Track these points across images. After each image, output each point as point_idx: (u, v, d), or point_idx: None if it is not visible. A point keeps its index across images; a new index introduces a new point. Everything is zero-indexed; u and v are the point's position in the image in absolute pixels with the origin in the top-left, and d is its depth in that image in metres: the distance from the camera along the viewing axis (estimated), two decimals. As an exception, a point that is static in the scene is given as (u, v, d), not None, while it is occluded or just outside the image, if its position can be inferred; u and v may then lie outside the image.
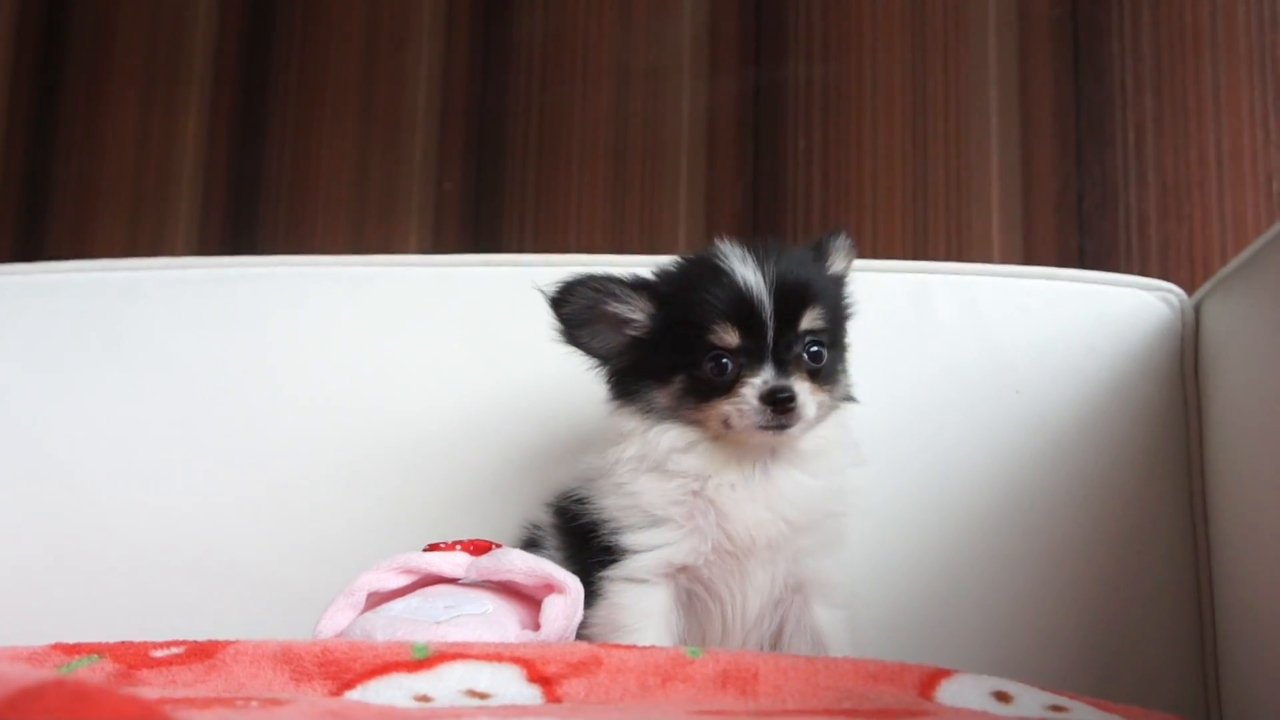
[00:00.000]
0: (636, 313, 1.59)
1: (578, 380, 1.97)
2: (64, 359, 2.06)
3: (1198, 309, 1.94)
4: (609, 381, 1.65)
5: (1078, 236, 2.55)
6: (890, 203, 2.65)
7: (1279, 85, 2.48)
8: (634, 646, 1.31)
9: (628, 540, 1.55)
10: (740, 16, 2.79)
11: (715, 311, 1.53)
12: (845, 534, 1.65)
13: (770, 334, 1.53)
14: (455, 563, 1.50)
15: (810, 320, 1.56)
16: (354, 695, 1.19)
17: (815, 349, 1.57)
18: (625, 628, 1.51)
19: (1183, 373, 1.92)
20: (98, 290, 2.11)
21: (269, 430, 2.02)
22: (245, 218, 2.93)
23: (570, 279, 1.61)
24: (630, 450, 1.58)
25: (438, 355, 2.04)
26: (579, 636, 1.48)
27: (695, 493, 1.55)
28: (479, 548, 1.52)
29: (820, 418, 1.58)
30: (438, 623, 1.36)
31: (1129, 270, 2.24)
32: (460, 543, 1.52)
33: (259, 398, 2.03)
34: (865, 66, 2.71)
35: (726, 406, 1.52)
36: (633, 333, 1.60)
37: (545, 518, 1.71)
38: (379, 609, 1.43)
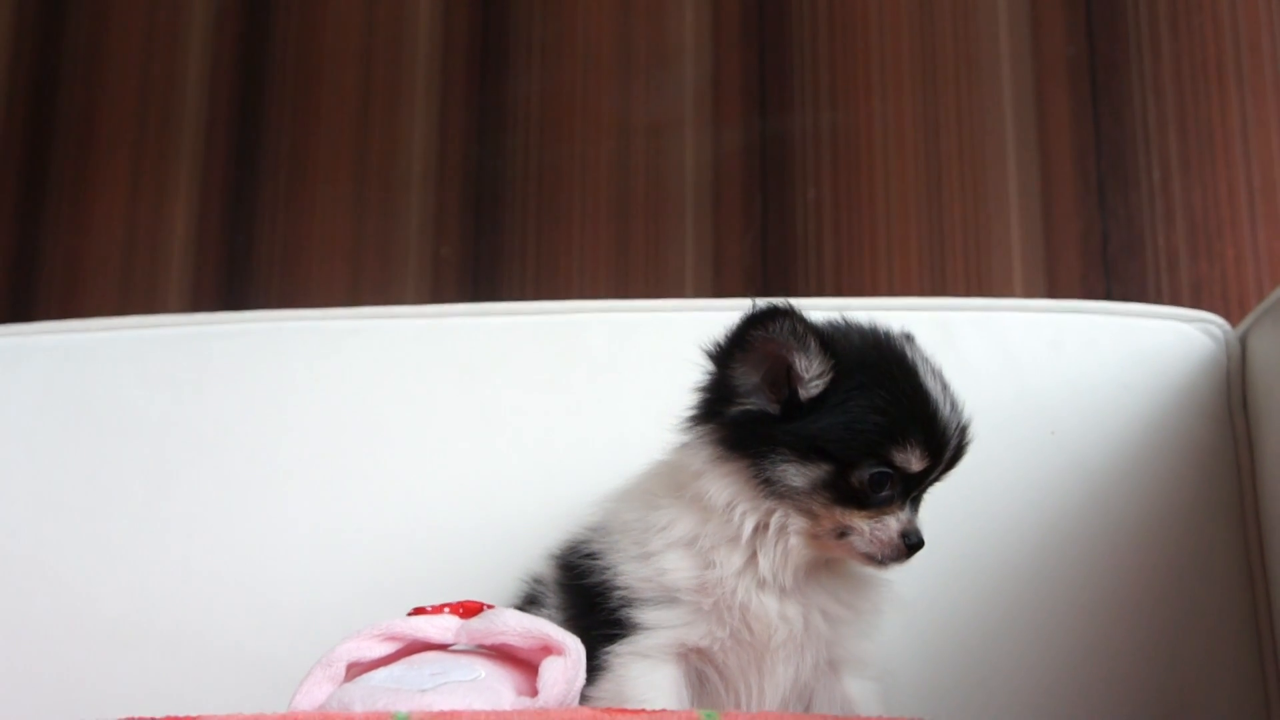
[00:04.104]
0: (815, 378, 1.40)
1: (577, 438, 1.87)
2: (28, 424, 1.97)
3: (1243, 340, 1.83)
4: (715, 420, 1.46)
5: (1104, 281, 2.45)
6: (906, 252, 2.56)
7: (1309, 115, 2.40)
8: (641, 710, 1.18)
9: (641, 615, 1.42)
10: (743, 66, 2.72)
11: (914, 428, 1.39)
12: (881, 623, 1.53)
13: (938, 471, 1.43)
14: (443, 627, 1.37)
15: (958, 464, 1.46)
16: (326, 772, 1.06)
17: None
18: (633, 701, 1.37)
19: (1230, 407, 1.83)
20: (63, 353, 2.02)
21: (246, 495, 1.92)
22: (238, 288, 2.84)
23: (780, 304, 1.40)
24: (681, 528, 1.43)
25: (427, 411, 1.95)
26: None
27: (729, 589, 1.41)
28: (469, 609, 1.38)
29: None
30: (423, 691, 1.23)
31: (1162, 312, 2.13)
32: (449, 605, 1.39)
33: (236, 461, 1.93)
34: (875, 112, 2.62)
35: (863, 524, 1.39)
36: (801, 392, 1.40)
37: (547, 572, 1.57)
38: (359, 680, 1.30)
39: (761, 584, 1.42)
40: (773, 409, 1.42)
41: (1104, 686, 1.76)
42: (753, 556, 1.42)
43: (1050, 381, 1.87)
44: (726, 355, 1.43)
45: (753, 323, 1.40)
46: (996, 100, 2.57)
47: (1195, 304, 2.35)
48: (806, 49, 2.68)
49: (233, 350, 2.01)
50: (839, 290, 2.53)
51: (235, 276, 2.85)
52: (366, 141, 2.88)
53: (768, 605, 1.42)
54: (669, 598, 1.42)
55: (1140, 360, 1.85)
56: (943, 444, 1.40)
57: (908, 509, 1.41)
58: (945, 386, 1.43)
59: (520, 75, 2.83)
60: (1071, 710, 1.74)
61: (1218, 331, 1.86)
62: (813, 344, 1.39)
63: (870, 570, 1.45)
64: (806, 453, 1.40)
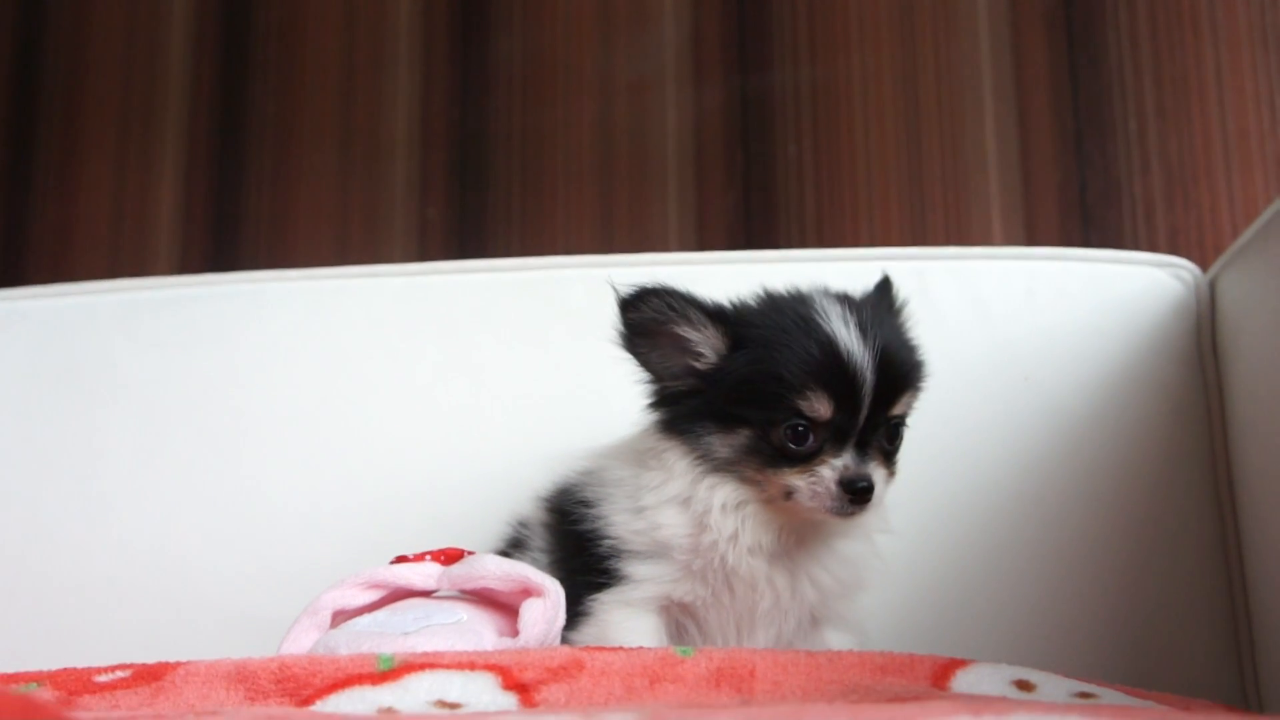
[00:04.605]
0: (707, 348, 1.44)
1: (560, 392, 1.89)
2: (18, 387, 1.99)
3: (1213, 284, 1.85)
4: (657, 404, 1.50)
5: (1082, 229, 2.46)
6: (886, 205, 2.57)
7: (1283, 63, 2.41)
8: (619, 648, 1.21)
9: (629, 567, 1.44)
10: (723, 23, 2.72)
11: (810, 376, 1.37)
12: (865, 588, 1.54)
13: (863, 414, 1.39)
14: (425, 574, 1.39)
15: (902, 406, 1.44)
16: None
17: (896, 430, 1.45)
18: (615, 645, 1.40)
19: (1200, 351, 1.84)
20: (53, 316, 2.04)
21: (234, 452, 1.94)
22: (226, 255, 2.85)
23: (649, 285, 1.45)
24: (672, 488, 1.45)
25: (412, 367, 1.96)
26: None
27: (720, 553, 1.43)
28: (450, 556, 1.41)
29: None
30: (406, 634, 1.26)
31: (1139, 259, 2.15)
32: (430, 553, 1.41)
33: (223, 420, 1.95)
34: (854, 67, 2.63)
35: (797, 480, 1.39)
36: (698, 365, 1.45)
37: (535, 514, 1.59)
38: (343, 626, 1.33)
39: (752, 550, 1.44)
40: (691, 384, 1.45)
41: (1079, 625, 1.78)
42: (744, 525, 1.44)
43: (1024, 328, 1.88)
44: (627, 342, 1.47)
45: (624, 307, 1.45)
46: (974, 52, 2.57)
47: (1172, 251, 2.35)
48: (785, 5, 2.68)
49: (220, 311, 2.02)
50: (820, 245, 2.54)
51: (223, 243, 2.86)
52: (351, 106, 2.88)
53: (757, 571, 1.44)
54: (659, 552, 1.44)
55: (1112, 306, 1.86)
56: (852, 385, 1.38)
57: (847, 455, 1.39)
58: (868, 328, 1.40)
59: (502, 36, 2.83)
60: (1048, 650, 1.76)
61: (1188, 276, 1.87)
62: (694, 314, 1.43)
63: (843, 523, 1.44)
64: (726, 422, 1.43)
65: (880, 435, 1.42)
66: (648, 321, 1.45)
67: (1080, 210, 2.47)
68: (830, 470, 1.38)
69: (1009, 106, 2.55)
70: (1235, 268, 1.78)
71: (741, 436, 1.42)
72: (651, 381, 1.50)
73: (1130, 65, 2.49)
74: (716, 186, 2.68)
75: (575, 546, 1.49)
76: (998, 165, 2.53)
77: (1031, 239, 2.47)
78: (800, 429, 1.38)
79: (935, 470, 1.83)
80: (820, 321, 1.40)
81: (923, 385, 1.49)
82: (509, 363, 1.94)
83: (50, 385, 1.98)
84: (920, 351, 1.52)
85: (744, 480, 1.43)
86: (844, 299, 1.46)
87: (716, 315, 1.44)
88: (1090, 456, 1.82)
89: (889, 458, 1.44)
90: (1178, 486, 1.81)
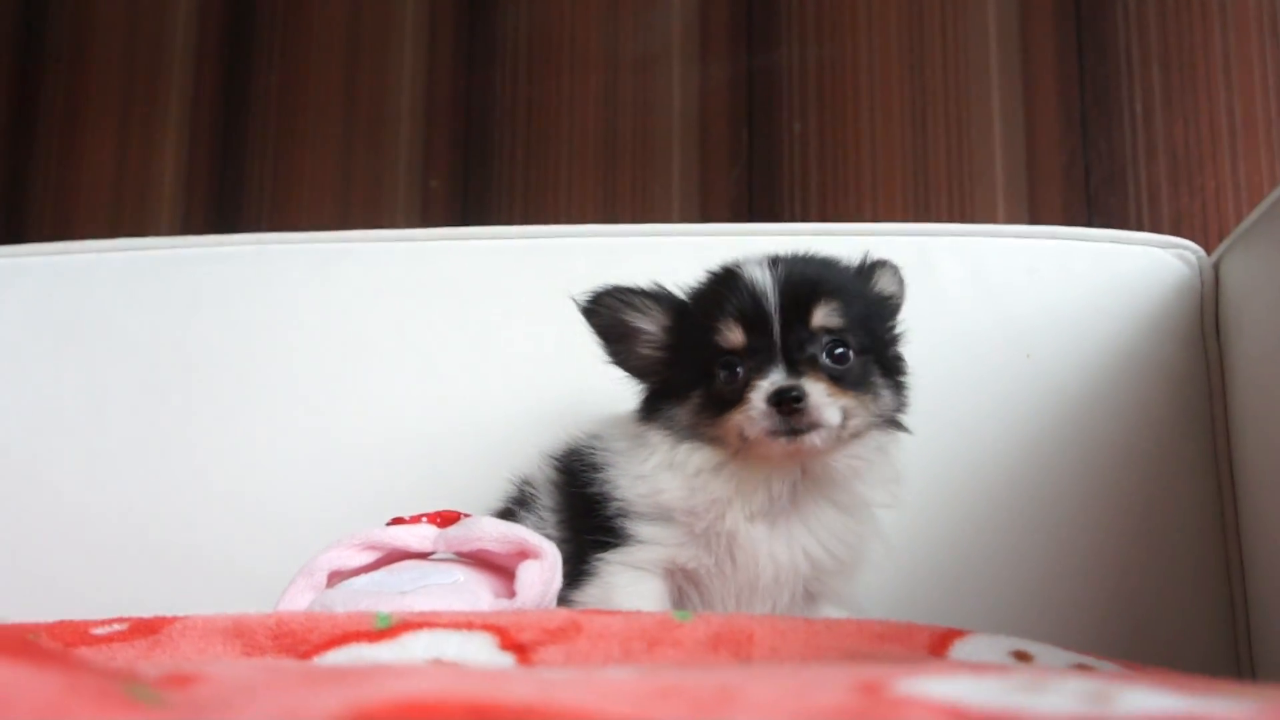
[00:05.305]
0: (652, 325, 1.51)
1: (561, 358, 1.89)
2: (17, 345, 1.98)
3: (1217, 266, 1.84)
4: (646, 401, 1.54)
5: (1086, 213, 2.46)
6: (890, 186, 2.56)
7: (1291, 50, 2.40)
8: (617, 611, 1.20)
9: (635, 528, 1.46)
10: (730, 0, 2.71)
11: (719, 311, 1.43)
12: (863, 567, 1.55)
13: (777, 330, 1.41)
14: (422, 535, 1.40)
15: (824, 317, 1.43)
16: (309, 667, 1.09)
17: (838, 350, 1.43)
18: (619, 608, 1.40)
19: (1203, 332, 1.84)
20: (56, 274, 2.03)
21: (235, 413, 1.93)
22: (227, 220, 2.85)
23: (598, 288, 1.52)
24: (656, 458, 1.47)
25: (414, 332, 1.96)
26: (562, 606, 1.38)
27: (717, 514, 1.45)
28: (446, 519, 1.41)
29: (855, 433, 1.44)
30: (403, 593, 1.26)
31: (1142, 244, 2.14)
32: (426, 515, 1.41)
33: (224, 380, 1.95)
34: (861, 46, 2.62)
35: (738, 417, 1.40)
36: (648, 349, 1.51)
37: (542, 472, 1.60)
38: (340, 585, 1.33)
39: (750, 516, 1.45)
40: (658, 372, 1.52)
41: (1077, 603, 1.78)
42: (735, 487, 1.45)
43: (1027, 306, 1.88)
44: (606, 351, 1.54)
45: (587, 314, 1.52)
46: (982, 33, 2.57)
47: (1175, 235, 2.37)
48: (793, -17, 2.68)
49: (223, 273, 2.01)
50: (824, 222, 2.53)
51: (224, 209, 2.86)
52: (355, 75, 2.87)
53: (756, 540, 1.44)
54: (664, 516, 1.45)
55: (1115, 285, 1.86)
56: (758, 307, 1.41)
57: (774, 374, 1.40)
58: (779, 263, 1.45)
59: (508, 10, 2.82)
60: (1048, 626, 1.76)
61: (1192, 257, 1.87)
62: (639, 301, 1.50)
63: (802, 454, 1.42)
64: (682, 391, 1.47)
65: (816, 355, 1.42)
66: (609, 322, 1.52)
67: (1084, 193, 2.47)
68: (757, 392, 1.39)
69: (1015, 89, 2.54)
70: (1240, 250, 1.77)
71: (694, 398, 1.46)
72: (639, 383, 1.55)
73: (1138, 48, 2.48)
74: (721, 163, 2.67)
75: (584, 508, 1.50)
76: (1003, 147, 2.52)
77: (1035, 221, 2.47)
78: (730, 366, 1.42)
79: (937, 443, 1.81)
80: (736, 270, 1.47)
81: (863, 310, 1.49)
82: (510, 329, 1.94)
83: (51, 342, 1.98)
84: (861, 283, 1.53)
85: (710, 441, 1.45)
86: (774, 256, 1.49)
87: (658, 297, 1.51)
88: (1091, 435, 1.81)
89: (839, 379, 1.42)
90: (1178, 466, 1.81)
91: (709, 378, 1.44)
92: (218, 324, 1.97)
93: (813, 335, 1.42)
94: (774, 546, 1.45)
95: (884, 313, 1.55)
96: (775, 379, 1.39)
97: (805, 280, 1.44)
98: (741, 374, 1.41)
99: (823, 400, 1.38)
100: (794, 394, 1.36)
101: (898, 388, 1.53)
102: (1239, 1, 2.45)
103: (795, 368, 1.40)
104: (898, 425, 1.54)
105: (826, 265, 1.52)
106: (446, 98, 2.83)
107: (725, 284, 1.46)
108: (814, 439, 1.38)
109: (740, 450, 1.43)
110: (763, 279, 1.42)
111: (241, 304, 1.99)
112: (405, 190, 2.81)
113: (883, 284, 1.56)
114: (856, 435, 1.45)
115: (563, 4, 2.80)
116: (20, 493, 1.91)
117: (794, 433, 1.38)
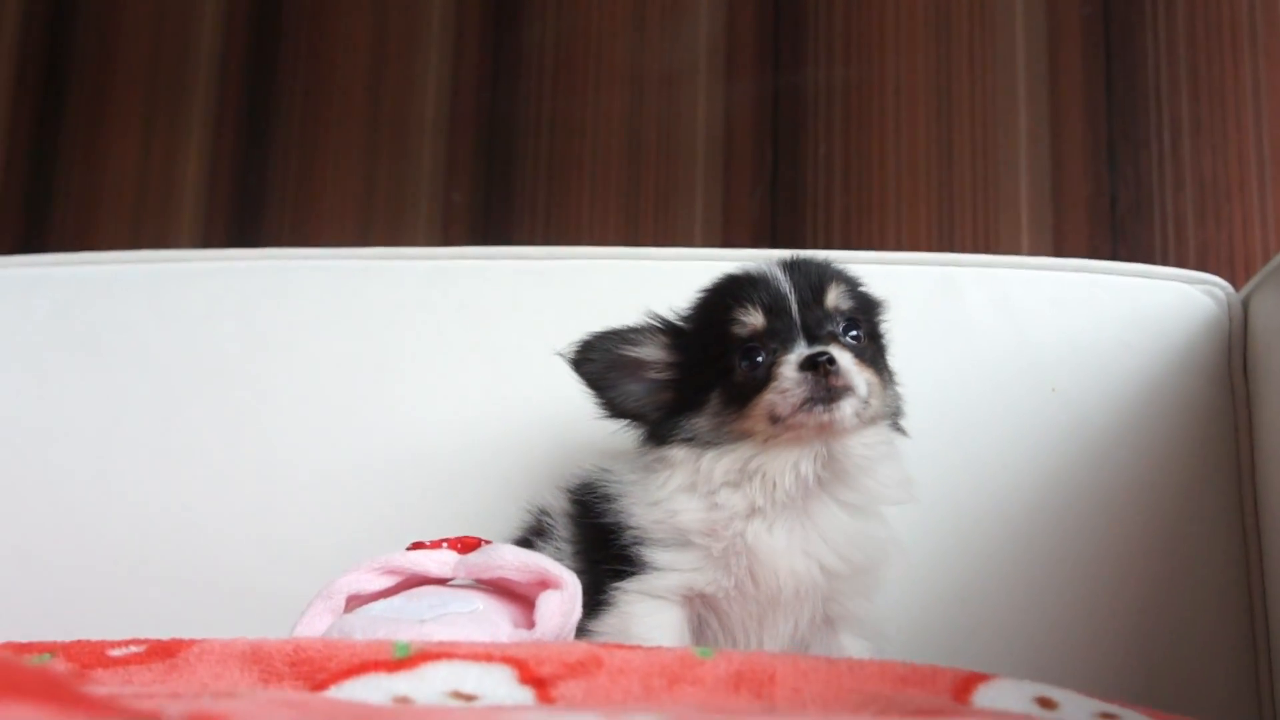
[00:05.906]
0: (656, 351, 1.54)
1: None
2: (38, 356, 1.98)
3: (1246, 303, 1.83)
4: (645, 438, 1.55)
5: (1111, 242, 2.45)
6: (915, 210, 2.55)
7: (1323, 82, 2.39)
8: (638, 646, 1.19)
9: (652, 555, 1.46)
10: (758, 18, 2.70)
11: (734, 302, 1.47)
12: (882, 581, 1.54)
13: (795, 309, 1.45)
14: (442, 561, 1.39)
15: (837, 298, 1.48)
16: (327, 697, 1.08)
17: (852, 331, 1.48)
18: (636, 639, 1.39)
19: (1230, 369, 1.82)
20: (74, 284, 2.03)
21: (253, 429, 1.93)
22: (249, 228, 2.85)
23: (584, 337, 1.55)
24: (677, 479, 1.48)
25: (435, 351, 1.95)
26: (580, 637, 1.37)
27: (736, 532, 1.45)
28: (467, 545, 1.40)
29: (875, 415, 1.47)
30: (422, 621, 1.25)
31: (1167, 275, 2.13)
32: (447, 540, 1.41)
33: (243, 396, 1.94)
34: (888, 68, 2.61)
35: (769, 396, 1.42)
36: (655, 375, 1.54)
37: (558, 503, 1.60)
38: (359, 610, 1.32)
39: (770, 526, 1.45)
40: (664, 395, 1.54)
41: (1098, 641, 1.77)
42: (759, 484, 1.45)
43: (1052, 338, 1.87)
44: (598, 400, 1.56)
45: (576, 364, 1.55)
46: (1009, 59, 2.56)
47: (1201, 268, 2.34)
48: (821, 3, 2.66)
49: (243, 286, 2.01)
50: (847, 246, 2.53)
51: (246, 218, 2.86)
52: (380, 86, 2.87)
53: (775, 553, 1.44)
54: (681, 540, 1.45)
55: (1142, 320, 1.85)
56: (773, 291, 1.46)
57: (800, 346, 1.43)
58: (783, 260, 1.52)
59: (534, 23, 2.82)
60: (1067, 664, 1.75)
61: (1220, 294, 1.85)
62: (630, 335, 1.54)
63: (835, 428, 1.43)
64: (695, 400, 1.49)
65: (834, 330, 1.47)
66: (600, 368, 1.54)
67: (1110, 223, 2.45)
68: (788, 365, 1.42)
69: (1042, 115, 2.53)
70: (1269, 287, 1.76)
71: (713, 400, 1.48)
72: (637, 426, 1.56)
73: (1167, 77, 2.47)
74: (744, 183, 2.66)
75: (599, 539, 1.50)
76: (1029, 174, 2.51)
77: (1060, 250, 2.45)
78: (751, 352, 1.45)
79: (958, 474, 1.82)
80: (741, 270, 1.53)
81: (855, 284, 1.54)
82: (530, 350, 1.92)
83: (71, 353, 1.97)
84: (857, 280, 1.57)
85: (737, 437, 1.46)
86: (776, 258, 1.55)
87: (650, 325, 1.55)
88: (1114, 471, 1.80)
89: (858, 355, 1.46)
90: (1202, 504, 1.79)
91: (725, 375, 1.46)
92: (237, 338, 1.97)
93: (828, 314, 1.47)
94: (792, 559, 1.44)
95: (877, 314, 1.59)
96: (801, 350, 1.42)
97: (814, 266, 1.51)
98: (765, 357, 1.44)
99: (851, 367, 1.41)
100: (826, 357, 1.39)
101: (891, 378, 1.57)
102: (1271, 30, 2.43)
103: (818, 340, 1.44)
104: (898, 428, 1.57)
105: (828, 261, 1.56)
106: (470, 110, 2.82)
107: (733, 281, 1.51)
108: (845, 408, 1.41)
109: (770, 437, 1.44)
110: (770, 270, 1.49)
111: (261, 318, 1.99)
112: (428, 203, 2.81)
113: (871, 289, 1.59)
114: (874, 420, 1.48)
115: (589, 18, 2.80)
116: (37, 503, 1.91)
117: (828, 400, 1.40)
